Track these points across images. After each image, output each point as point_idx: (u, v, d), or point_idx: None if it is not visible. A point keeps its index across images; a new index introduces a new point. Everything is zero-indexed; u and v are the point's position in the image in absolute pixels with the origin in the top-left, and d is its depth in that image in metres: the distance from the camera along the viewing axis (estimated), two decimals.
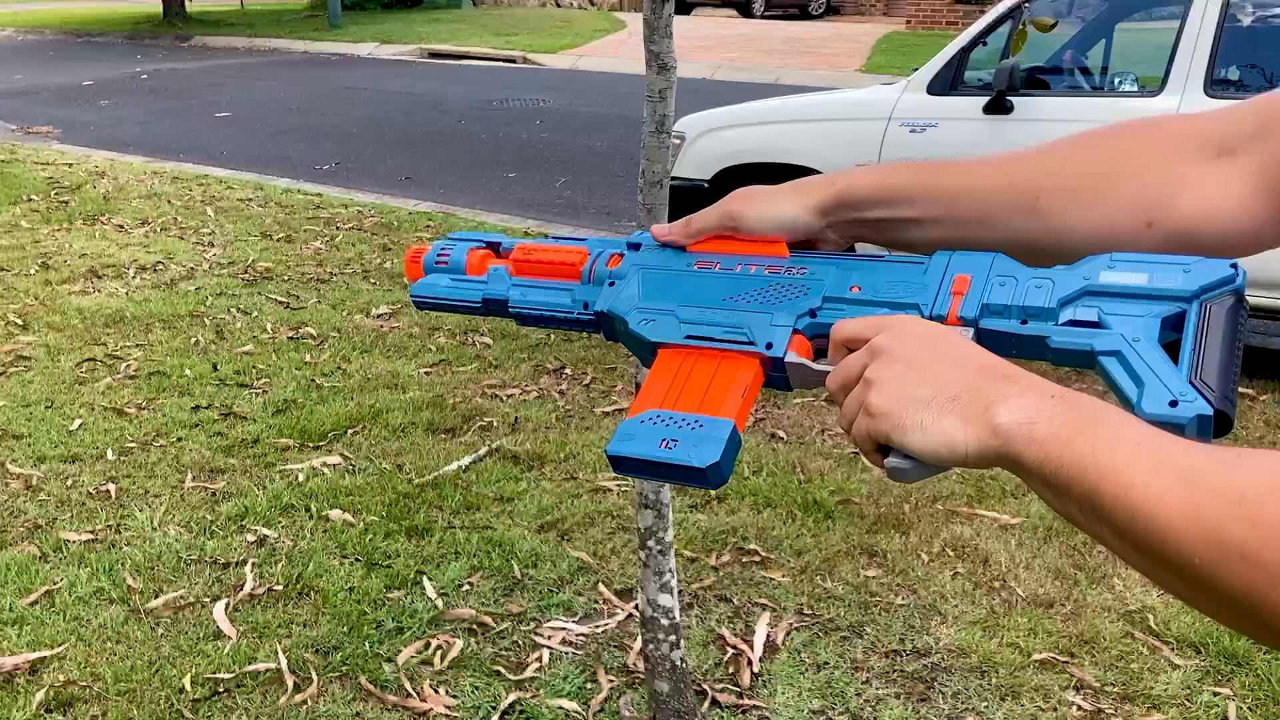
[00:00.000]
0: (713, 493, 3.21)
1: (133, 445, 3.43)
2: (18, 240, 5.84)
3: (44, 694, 2.28)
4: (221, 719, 2.26)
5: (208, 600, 2.64)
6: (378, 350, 4.34)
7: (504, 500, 3.14)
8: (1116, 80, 4.57)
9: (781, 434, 3.63)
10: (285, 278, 5.30)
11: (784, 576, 2.79)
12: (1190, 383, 0.61)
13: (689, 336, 0.77)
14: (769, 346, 0.74)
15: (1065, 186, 0.76)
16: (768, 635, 2.55)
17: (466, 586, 2.74)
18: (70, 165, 7.93)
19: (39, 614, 2.56)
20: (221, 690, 2.33)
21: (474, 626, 2.58)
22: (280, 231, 6.17)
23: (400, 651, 2.48)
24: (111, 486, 3.16)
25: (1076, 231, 0.74)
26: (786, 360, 0.73)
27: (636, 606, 2.36)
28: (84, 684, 2.33)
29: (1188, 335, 0.63)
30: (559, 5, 22.86)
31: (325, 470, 3.30)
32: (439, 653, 2.48)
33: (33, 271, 5.27)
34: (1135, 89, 4.38)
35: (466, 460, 3.37)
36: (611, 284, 0.82)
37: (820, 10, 23.22)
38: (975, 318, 0.69)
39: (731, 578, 2.80)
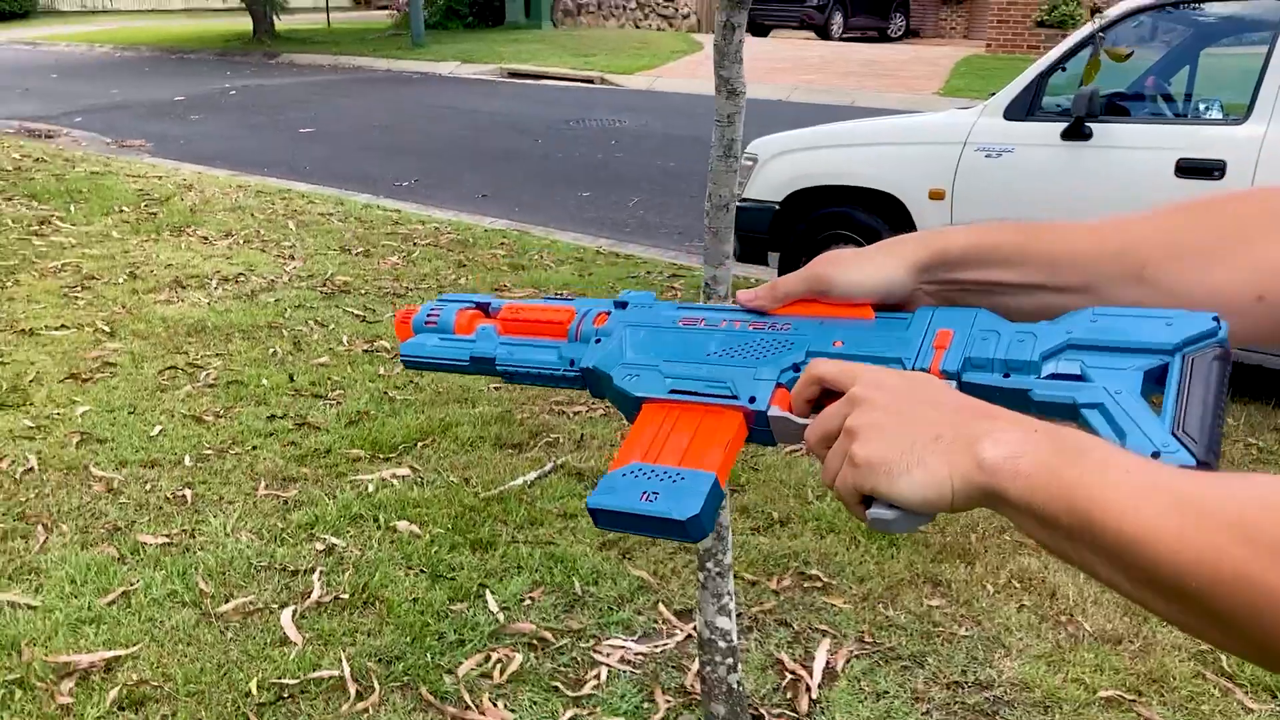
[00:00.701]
0: (775, 516, 3.20)
1: (209, 452, 3.52)
2: (108, 250, 6.04)
3: (117, 692, 2.35)
4: None
5: (276, 606, 2.70)
6: None
7: (567, 517, 3.17)
8: (1201, 107, 4.47)
9: None
10: (362, 291, 5.41)
11: (845, 603, 2.77)
12: (1173, 434, 0.60)
13: (673, 391, 0.77)
14: (752, 400, 0.74)
15: (1175, 254, 0.73)
16: (827, 662, 2.53)
17: (528, 601, 2.76)
18: (160, 178, 8.18)
19: (115, 614, 2.64)
20: (286, 695, 2.38)
21: (534, 641, 2.60)
22: (359, 246, 6.30)
23: (461, 664, 2.51)
24: (188, 492, 3.25)
25: (1184, 302, 0.70)
26: (769, 414, 0.73)
27: (695, 628, 2.36)
28: (155, 684, 2.39)
29: (1170, 388, 0.63)
30: (637, 26, 23.03)
31: (394, 482, 3.36)
32: (499, 666, 2.51)
33: (121, 280, 5.44)
34: (1219, 116, 4.29)
35: (532, 476, 3.40)
36: (598, 340, 0.83)
37: (899, 33, 23.07)
38: (957, 371, 0.69)
39: (792, 602, 2.78)
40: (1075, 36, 4.52)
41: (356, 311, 5.05)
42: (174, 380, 4.14)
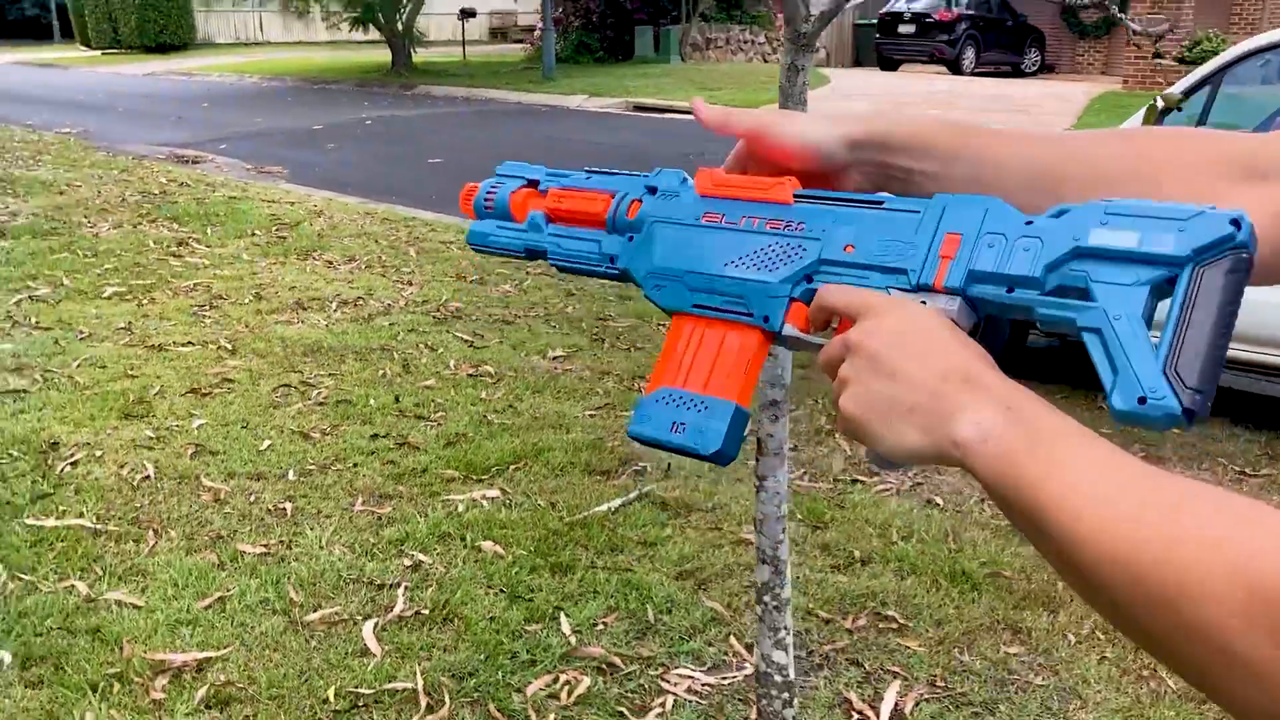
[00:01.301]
0: (857, 554, 3.18)
1: (313, 468, 3.68)
2: (238, 271, 6.36)
3: (205, 691, 2.48)
4: None
5: (360, 618, 2.80)
6: (549, 391, 4.50)
7: (647, 545, 3.20)
8: None
9: (939, 500, 3.56)
10: (473, 317, 5.57)
11: (920, 646, 2.73)
12: (1165, 374, 0.60)
13: (696, 306, 0.81)
14: (766, 320, 0.77)
15: (1091, 183, 0.74)
16: (896, 704, 2.50)
17: (601, 626, 2.80)
18: (292, 204, 8.57)
19: (210, 618, 2.78)
20: (361, 704, 2.47)
21: (603, 666, 2.64)
22: (474, 274, 6.49)
23: (530, 683, 2.56)
24: (288, 505, 3.40)
25: None
26: (785, 334, 0.76)
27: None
28: (241, 686, 2.51)
29: (1173, 311, 0.61)
30: (765, 61, 23.10)
31: (484, 503, 3.45)
32: (567, 688, 2.56)
33: (247, 301, 5.72)
34: None
35: (617, 503, 3.45)
36: (630, 238, 0.86)
37: (1034, 68, 22.61)
38: (961, 287, 0.69)
39: (865, 642, 2.76)
40: (1196, 73, 4.40)
41: (465, 337, 5.20)
42: (287, 398, 4.33)
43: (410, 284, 6.20)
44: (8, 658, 2.58)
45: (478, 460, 3.75)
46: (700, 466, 3.76)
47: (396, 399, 4.32)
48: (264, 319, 5.41)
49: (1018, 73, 22.14)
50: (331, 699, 2.48)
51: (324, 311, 5.57)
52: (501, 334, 5.27)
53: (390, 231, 7.66)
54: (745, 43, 23.54)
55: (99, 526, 3.21)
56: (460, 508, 3.40)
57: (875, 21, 22.69)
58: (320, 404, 4.26)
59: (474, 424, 4.09)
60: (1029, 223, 0.67)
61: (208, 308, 5.61)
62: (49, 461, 3.65)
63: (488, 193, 0.95)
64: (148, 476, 3.56)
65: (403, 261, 6.74)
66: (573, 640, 2.73)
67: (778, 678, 2.10)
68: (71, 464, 3.64)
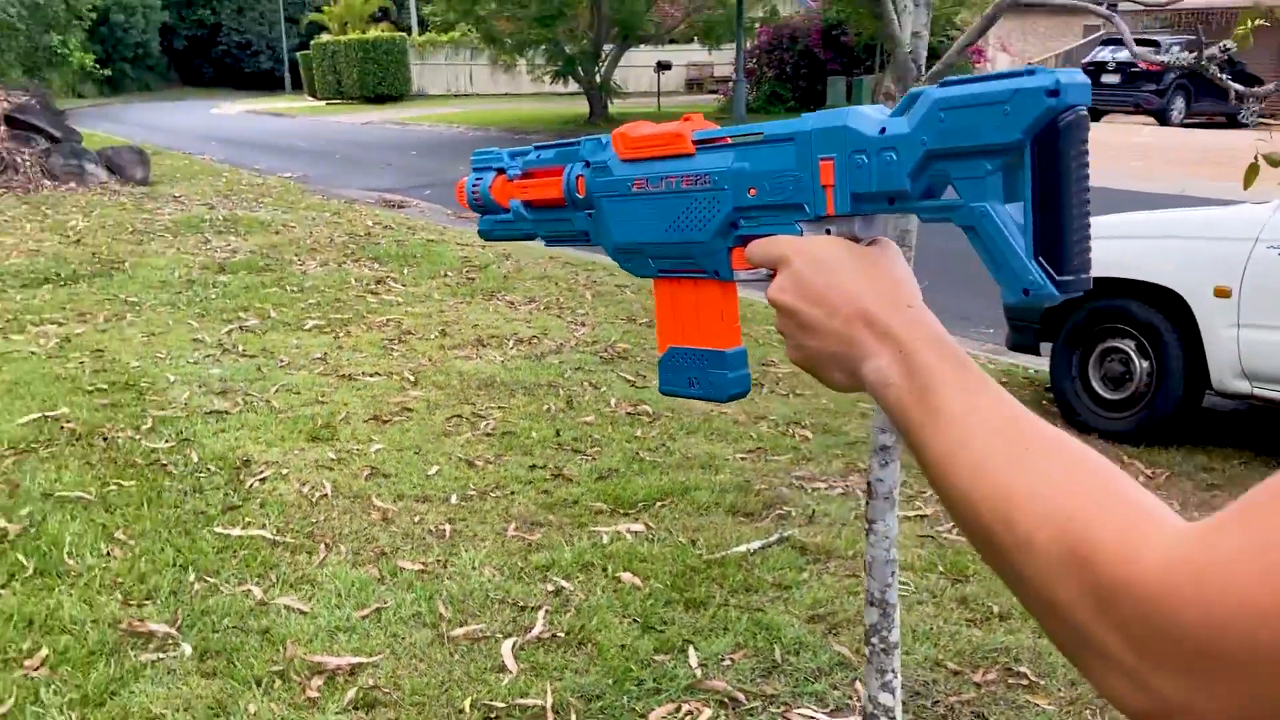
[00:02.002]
0: (995, 609, 3.14)
1: (473, 493, 3.90)
2: (428, 309, 6.76)
3: (355, 693, 2.68)
4: None
5: (500, 636, 2.96)
6: (702, 432, 4.60)
7: (782, 587, 3.25)
8: None
9: None
10: (638, 359, 5.75)
11: (1050, 704, 2.68)
12: (1036, 260, 0.65)
13: (661, 271, 0.90)
14: (716, 273, 0.86)
15: None
16: None
17: (728, 662, 2.87)
18: (484, 247, 9.02)
19: (366, 627, 3.00)
20: (493, 717, 2.62)
21: (726, 700, 2.71)
22: (645, 317, 6.68)
23: (653, 710, 2.65)
24: (448, 527, 3.62)
25: None
26: (739, 279, 0.86)
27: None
28: (387, 691, 2.71)
29: (1024, 191, 0.65)
30: None
31: (628, 536, 3.58)
32: (689, 718, 2.64)
33: (433, 336, 6.08)
34: None
35: (756, 544, 3.51)
36: (590, 213, 0.94)
37: (1252, 119, 21.34)
38: (851, 212, 0.75)
39: (994, 697, 2.73)
40: None
41: (629, 377, 5.37)
42: (458, 427, 4.60)
43: (583, 325, 6.45)
44: (188, 649, 2.86)
45: (626, 495, 3.88)
46: (845, 514, 3.79)
47: (557, 433, 4.51)
48: (446, 354, 5.73)
49: (1233, 124, 20.98)
50: (467, 710, 2.64)
51: (501, 348, 5.86)
52: None
53: (570, 275, 7.97)
54: None
55: (277, 538, 3.51)
56: (605, 539, 3.54)
57: None
58: (487, 434, 4.50)
59: (626, 460, 4.24)
60: (882, 130, 0.72)
61: (397, 342, 5.99)
62: (240, 477, 4.01)
63: (472, 188, 1.03)
64: (325, 495, 3.86)
65: (578, 303, 7.01)
66: (699, 673, 2.81)
67: (884, 718, 2.13)
68: (260, 480, 3.98)
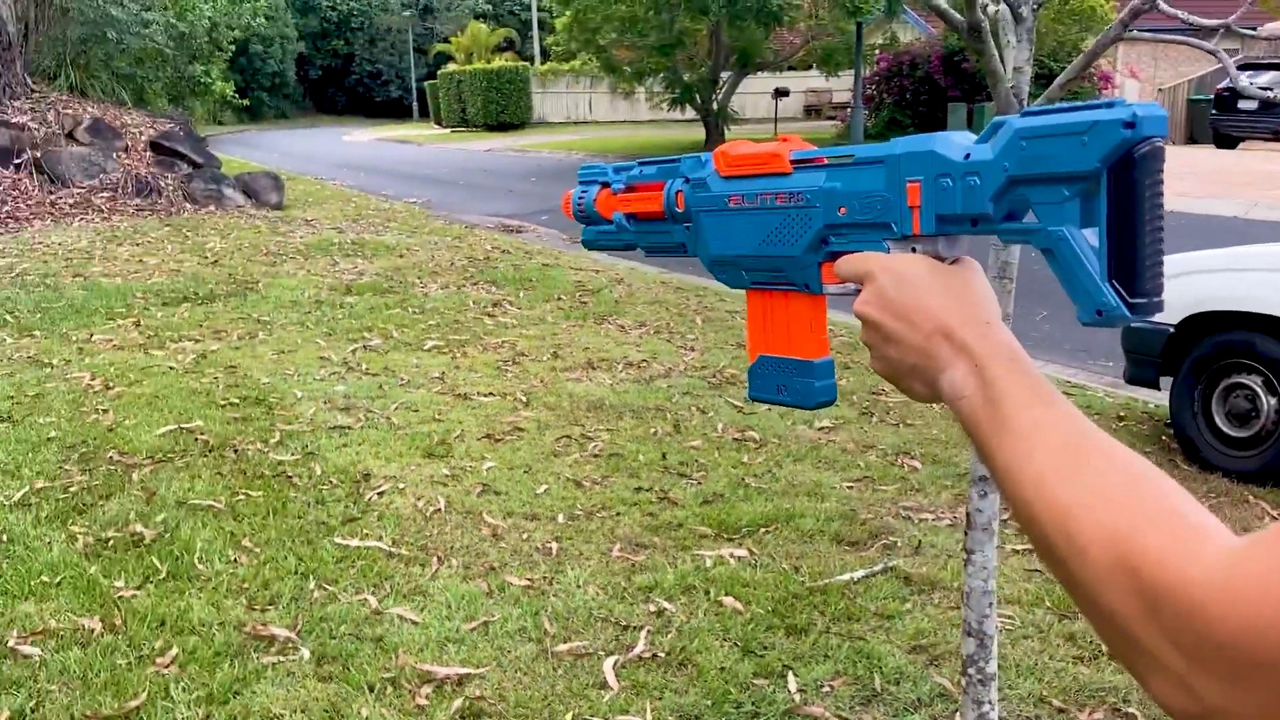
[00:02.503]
0: (1103, 648, 3.07)
1: (580, 513, 3.98)
2: (541, 332, 6.91)
3: (461, 703, 2.77)
4: None
5: (603, 654, 3.03)
6: (809, 460, 4.61)
7: (884, 617, 3.24)
8: None
9: None
10: (745, 384, 5.76)
11: None
12: (1111, 283, 0.68)
13: (754, 283, 0.95)
14: (806, 286, 0.91)
15: None
16: None
17: (827, 688, 2.88)
18: (597, 272, 9.17)
19: (475, 639, 3.09)
20: None
21: None
22: None
23: None
24: (555, 545, 3.71)
25: None
26: (828, 292, 0.91)
27: None
28: (492, 702, 2.79)
29: (1100, 218, 0.69)
30: None
31: (731, 560, 3.61)
32: None
33: (545, 359, 6.22)
34: None
35: (860, 574, 3.51)
36: (688, 227, 1.00)
37: None
38: (935, 232, 0.80)
39: None
40: None
41: (736, 403, 5.41)
42: (567, 448, 4.70)
43: (692, 350, 6.51)
44: (307, 654, 3.00)
45: (731, 520, 3.92)
46: (952, 545, 3.75)
47: (663, 456, 4.57)
48: (558, 376, 5.86)
49: None
50: None
51: (611, 372, 5.96)
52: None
53: (681, 300, 8.04)
54: None
55: (393, 550, 3.65)
56: (708, 563, 3.58)
57: (1211, 98, 21.28)
58: (595, 455, 4.59)
59: (732, 485, 4.27)
60: (967, 156, 0.76)
61: (511, 363, 6.15)
62: (360, 490, 4.17)
63: (578, 201, 1.10)
64: (439, 509, 3.99)
65: (688, 328, 7.08)
66: (797, 698, 2.82)
67: None
68: (379, 494, 4.13)
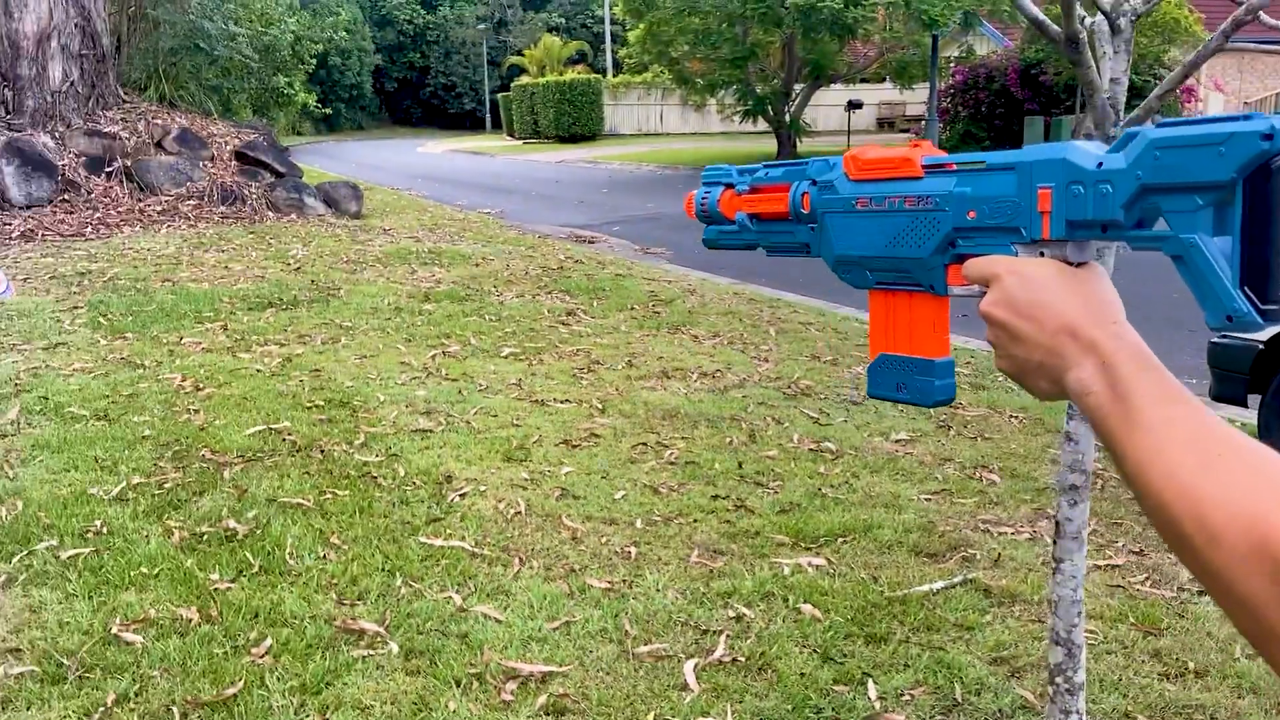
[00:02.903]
0: (1191, 666, 3.04)
1: (658, 519, 4.03)
2: (614, 341, 6.98)
3: (545, 699, 2.83)
4: None
5: (683, 656, 3.06)
6: (887, 471, 4.61)
7: (964, 628, 3.24)
8: None
9: None
10: (822, 395, 5.78)
11: None
12: (1242, 289, 0.70)
13: (879, 283, 0.98)
14: (932, 287, 0.94)
15: None
16: None
17: (907, 697, 2.89)
18: (670, 282, 9.22)
19: (556, 638, 3.15)
20: None
21: None
22: (829, 354, 6.71)
23: None
24: (633, 548, 3.75)
25: None
26: (953, 294, 0.93)
27: None
28: (575, 700, 2.84)
29: (1234, 228, 0.71)
30: None
31: (809, 569, 3.63)
32: None
33: (619, 367, 6.28)
34: None
35: (939, 585, 3.51)
36: (812, 228, 1.01)
37: None
38: (1065, 237, 0.82)
39: None
40: None
41: (812, 414, 5.42)
42: (643, 455, 4.75)
43: (766, 360, 6.53)
44: (395, 648, 3.08)
45: (808, 529, 3.93)
46: (1032, 558, 3.73)
47: (739, 465, 4.60)
48: (632, 384, 5.92)
49: None
50: None
51: (685, 381, 6.01)
52: (848, 413, 5.44)
53: (754, 311, 8.06)
54: None
55: (476, 550, 3.72)
56: (786, 570, 3.60)
57: None
58: (671, 463, 4.63)
59: (809, 495, 4.29)
60: (1100, 164, 0.78)
61: (586, 371, 6.22)
62: (443, 492, 4.26)
63: (701, 201, 1.13)
64: (519, 512, 4.06)
65: (762, 339, 7.10)
66: (877, 705, 2.84)
67: None
68: (460, 495, 4.22)
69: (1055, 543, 2.10)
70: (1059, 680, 2.11)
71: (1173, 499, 0.67)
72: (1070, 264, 0.83)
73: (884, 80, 28.17)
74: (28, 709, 2.78)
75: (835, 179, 1.00)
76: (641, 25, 24.63)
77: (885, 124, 34.51)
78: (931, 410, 5.53)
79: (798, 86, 24.73)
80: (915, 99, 29.42)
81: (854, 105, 27.12)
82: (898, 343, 0.98)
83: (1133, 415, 0.73)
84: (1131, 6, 1.84)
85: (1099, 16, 1.94)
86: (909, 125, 31.12)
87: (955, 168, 0.90)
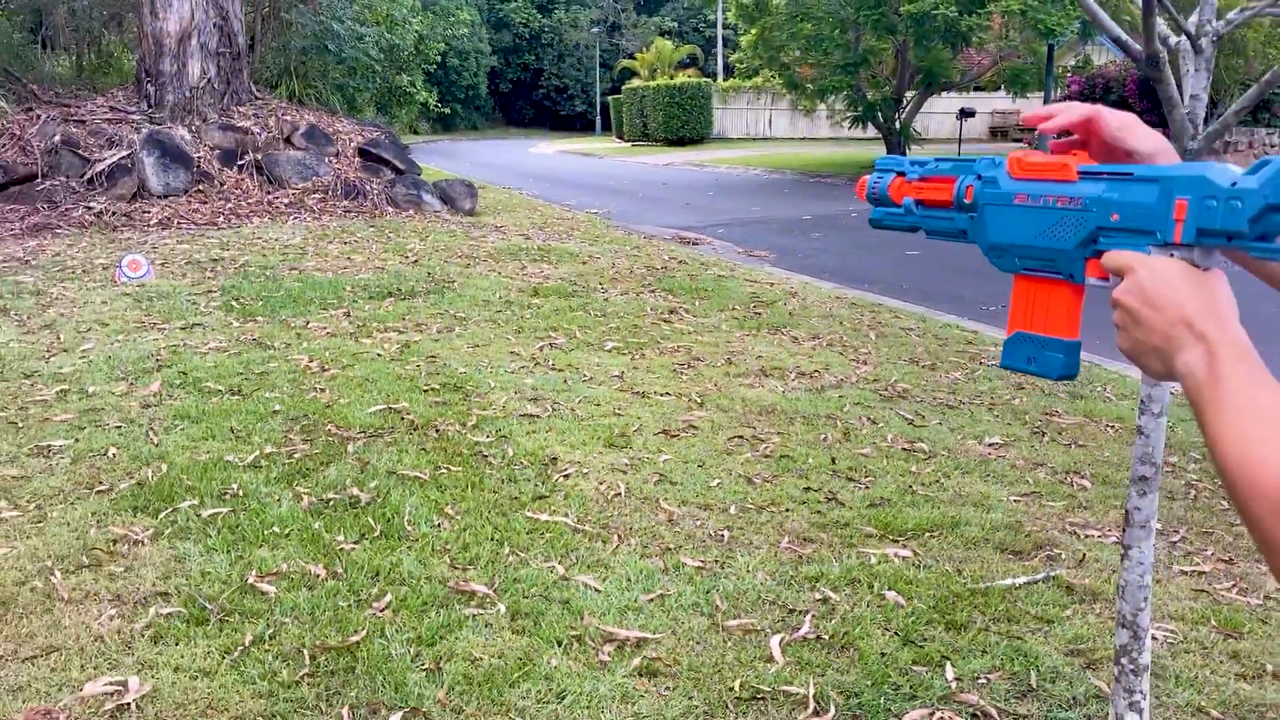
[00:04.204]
0: (1269, 668, 3.11)
1: (750, 507, 4.21)
2: (715, 340, 7.17)
3: (639, 661, 3.04)
4: (754, 717, 2.83)
5: (770, 632, 3.25)
6: (978, 473, 4.71)
7: (1044, 621, 3.35)
8: None
9: None
10: (918, 398, 5.89)
11: None
12: None
13: (1025, 269, 1.12)
14: (1071, 276, 1.08)
15: None
16: None
17: (983, 680, 3.02)
18: (771, 284, 9.37)
19: (651, 609, 3.36)
20: (759, 698, 2.91)
21: (979, 713, 2.87)
22: (927, 359, 6.80)
23: (908, 712, 2.85)
24: (726, 533, 3.95)
25: None
26: (1087, 283, 1.07)
27: None
28: (667, 664, 3.05)
29: None
30: None
31: (895, 559, 3.77)
32: None
33: (719, 365, 6.48)
34: None
35: (1022, 579, 3.62)
36: (972, 216, 1.14)
37: None
38: (1194, 241, 0.95)
39: None
40: None
41: (907, 416, 5.53)
42: (738, 447, 4.93)
43: (864, 363, 6.65)
44: (503, 609, 3.32)
45: (896, 523, 4.07)
46: (1116, 561, 3.81)
47: (833, 460, 4.76)
48: (731, 380, 6.10)
49: None
50: (736, 689, 2.94)
51: (783, 380, 6.17)
52: (943, 416, 5.54)
53: (855, 315, 8.17)
54: (1272, 146, 21.58)
55: (578, 526, 3.96)
56: (873, 560, 3.76)
57: None
58: (765, 456, 4.81)
59: (899, 492, 4.42)
60: (1234, 184, 0.91)
61: (686, 367, 6.43)
62: (548, 472, 4.51)
63: (873, 185, 1.28)
64: (619, 494, 4.29)
65: (861, 342, 7.21)
66: (954, 686, 2.98)
67: None
68: (564, 476, 4.46)
69: (1125, 530, 2.22)
70: (1124, 661, 2.23)
71: (1234, 463, 0.82)
72: (1197, 267, 0.96)
73: (999, 89, 27.77)
74: (176, 644, 3.11)
75: (999, 175, 1.14)
76: (754, 30, 24.75)
77: (998, 133, 33.96)
78: (1027, 417, 5.60)
79: (909, 93, 24.55)
80: (1029, 108, 28.88)
81: (966, 113, 26.79)
82: (1034, 323, 1.12)
83: (1221, 395, 0.86)
84: (1214, 28, 1.96)
85: (1182, 36, 2.07)
86: (1022, 135, 30.58)
87: (1106, 176, 1.04)
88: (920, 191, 1.22)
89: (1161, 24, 2.11)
